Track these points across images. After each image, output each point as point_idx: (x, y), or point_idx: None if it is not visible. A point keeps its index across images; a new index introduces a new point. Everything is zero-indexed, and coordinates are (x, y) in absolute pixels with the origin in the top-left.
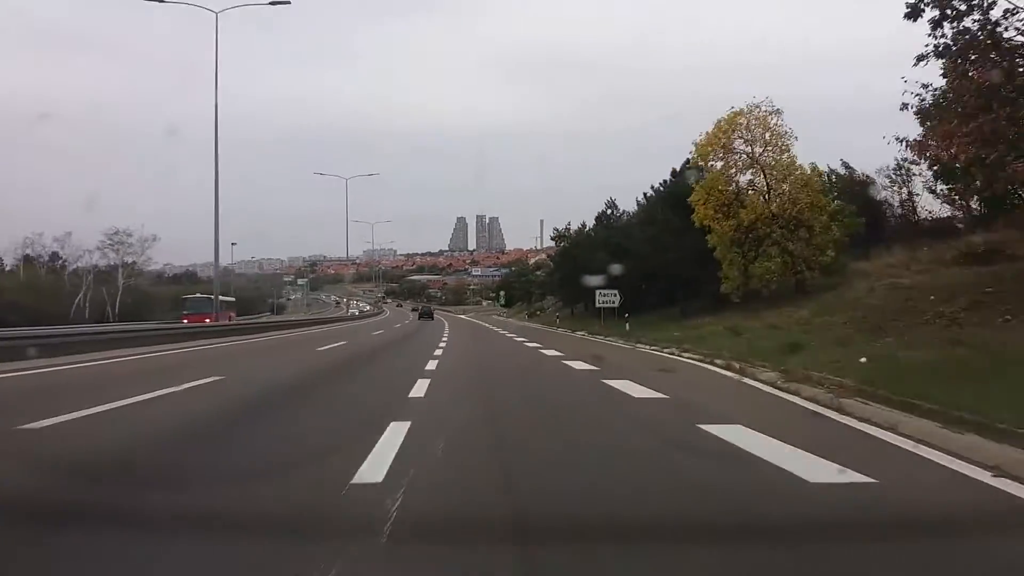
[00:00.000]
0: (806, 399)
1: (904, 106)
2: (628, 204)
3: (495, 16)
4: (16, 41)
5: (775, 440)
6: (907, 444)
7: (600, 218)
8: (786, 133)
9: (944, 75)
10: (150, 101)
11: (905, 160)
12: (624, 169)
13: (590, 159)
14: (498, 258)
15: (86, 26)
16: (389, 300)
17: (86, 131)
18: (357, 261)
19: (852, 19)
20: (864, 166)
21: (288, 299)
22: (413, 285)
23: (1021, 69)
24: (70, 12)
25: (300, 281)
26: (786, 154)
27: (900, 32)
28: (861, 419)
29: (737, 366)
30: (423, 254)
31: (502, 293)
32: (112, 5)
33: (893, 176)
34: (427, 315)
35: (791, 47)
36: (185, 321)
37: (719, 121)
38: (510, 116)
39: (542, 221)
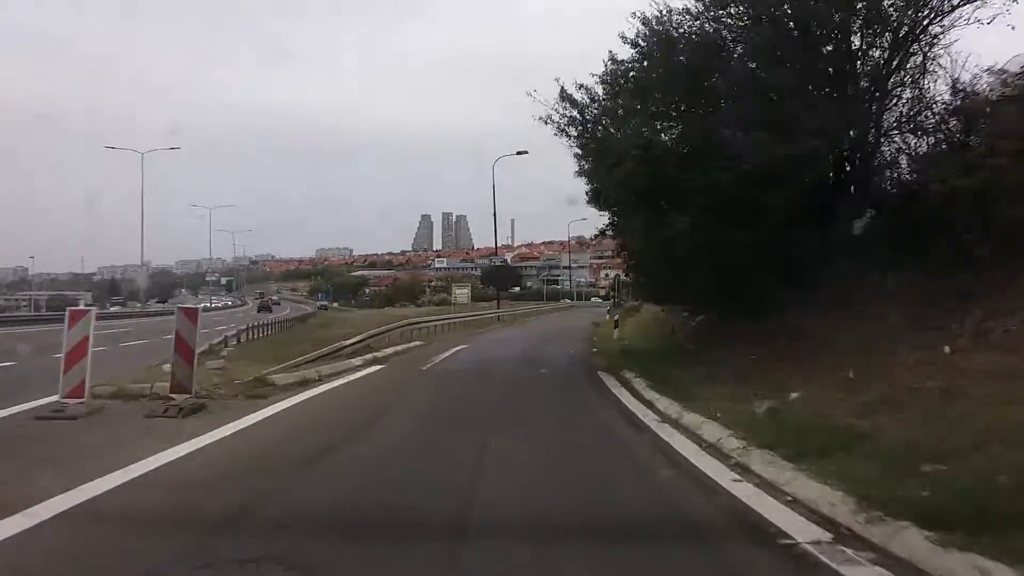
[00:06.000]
0: None
1: None
2: None
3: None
4: None
5: None
6: None
7: None
8: None
9: None
10: None
11: None
12: None
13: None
14: (467, 254)
15: None
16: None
17: None
18: (301, 260)
19: None
20: None
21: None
22: (348, 281)
23: None
24: None
25: (224, 280)
26: None
27: None
28: None
29: None
30: (383, 254)
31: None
32: None
33: None
34: (265, 308)
35: None
36: None
37: None
38: (477, 119)
39: (513, 220)
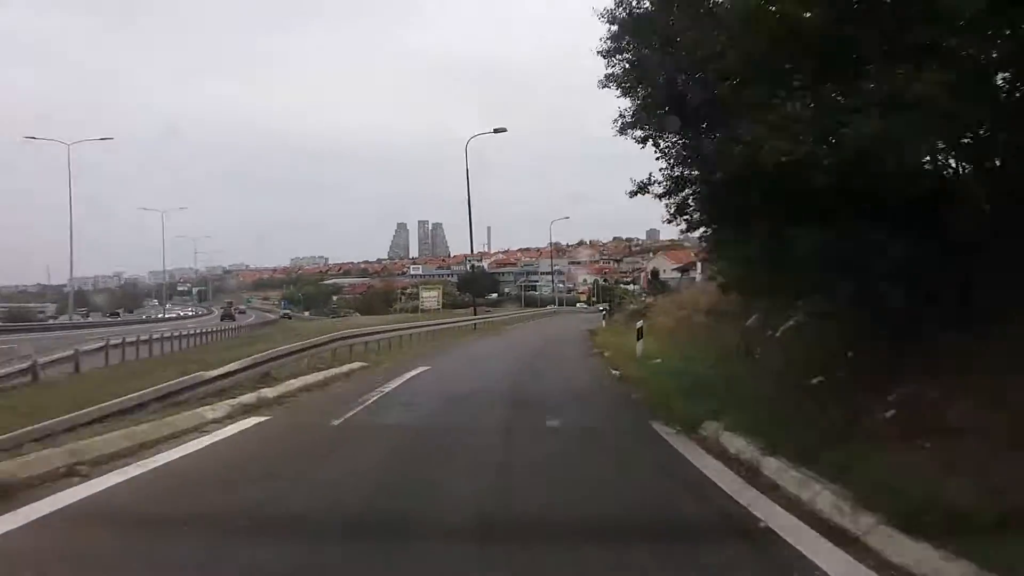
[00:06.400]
0: None
1: None
2: None
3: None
4: None
5: None
6: None
7: None
8: None
9: None
10: None
11: None
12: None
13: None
14: (443, 261)
15: None
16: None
17: None
18: (275, 269)
19: None
20: None
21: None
22: (321, 290)
23: None
24: None
25: (195, 290)
26: None
27: None
28: None
29: None
30: (359, 262)
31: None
32: None
33: None
34: (228, 317)
35: None
36: None
37: None
38: (458, 127)
39: (489, 228)
